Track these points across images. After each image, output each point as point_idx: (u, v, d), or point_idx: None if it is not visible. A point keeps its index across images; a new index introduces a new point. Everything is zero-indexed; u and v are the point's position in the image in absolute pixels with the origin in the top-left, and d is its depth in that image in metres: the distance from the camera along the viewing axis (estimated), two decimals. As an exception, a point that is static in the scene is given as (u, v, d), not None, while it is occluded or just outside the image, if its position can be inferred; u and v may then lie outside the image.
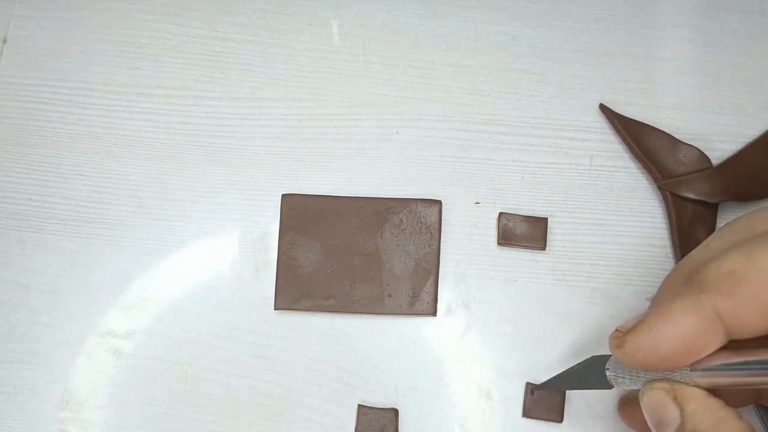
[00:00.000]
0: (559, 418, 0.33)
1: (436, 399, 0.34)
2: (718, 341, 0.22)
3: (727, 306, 0.21)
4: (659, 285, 0.28)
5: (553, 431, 0.33)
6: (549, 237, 0.35)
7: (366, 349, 0.34)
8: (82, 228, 0.36)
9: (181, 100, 0.37)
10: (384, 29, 0.38)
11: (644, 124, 0.36)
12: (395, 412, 0.33)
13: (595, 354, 0.28)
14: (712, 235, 0.25)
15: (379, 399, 0.34)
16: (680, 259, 0.34)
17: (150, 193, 0.36)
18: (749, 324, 0.21)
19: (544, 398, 0.33)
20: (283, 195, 0.35)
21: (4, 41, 0.38)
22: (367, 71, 0.37)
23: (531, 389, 0.33)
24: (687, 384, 0.23)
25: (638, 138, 0.35)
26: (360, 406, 0.33)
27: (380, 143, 0.36)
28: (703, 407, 0.22)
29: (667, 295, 0.23)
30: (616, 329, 0.24)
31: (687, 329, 0.22)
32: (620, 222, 0.35)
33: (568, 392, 0.33)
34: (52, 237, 0.36)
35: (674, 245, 0.34)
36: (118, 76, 0.38)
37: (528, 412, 0.33)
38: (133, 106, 0.37)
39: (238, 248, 0.35)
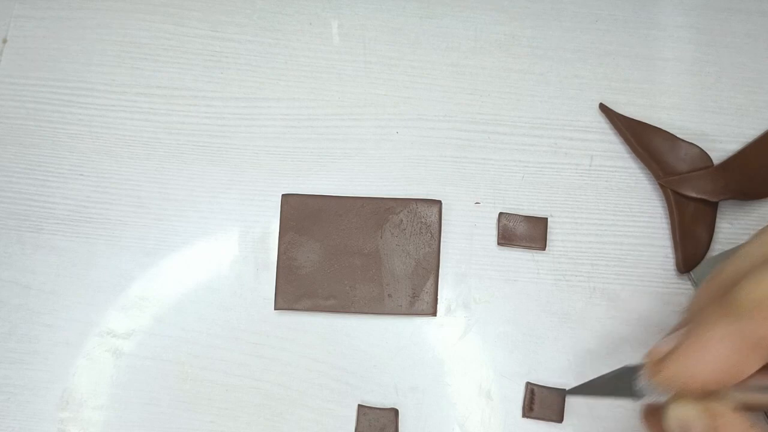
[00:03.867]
0: (559, 419, 0.33)
1: (436, 399, 0.34)
2: (757, 364, 0.21)
3: (766, 331, 0.20)
4: (696, 294, 0.26)
5: (553, 431, 0.33)
6: (549, 237, 0.35)
7: (366, 349, 0.34)
8: (82, 228, 0.36)
9: (181, 100, 0.37)
10: (384, 29, 0.38)
11: (645, 123, 0.36)
12: (395, 412, 0.33)
13: (624, 361, 0.27)
14: (748, 241, 0.24)
15: (379, 399, 0.34)
16: (680, 258, 0.34)
17: (150, 193, 0.36)
18: None
19: (545, 398, 0.33)
20: (283, 195, 0.35)
21: (4, 41, 0.38)
22: (367, 71, 0.37)
23: (531, 389, 0.33)
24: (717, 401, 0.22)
25: (639, 136, 0.35)
26: (360, 406, 0.33)
27: (380, 143, 0.36)
28: (734, 424, 0.22)
29: (702, 318, 0.22)
30: (650, 351, 0.24)
31: (726, 357, 0.21)
32: (620, 222, 0.35)
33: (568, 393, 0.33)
34: (52, 237, 0.36)
35: (675, 243, 0.34)
36: (118, 76, 0.38)
37: (528, 412, 0.33)
38: (133, 106, 0.37)
39: (238, 248, 0.35)
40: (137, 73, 0.38)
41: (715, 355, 0.21)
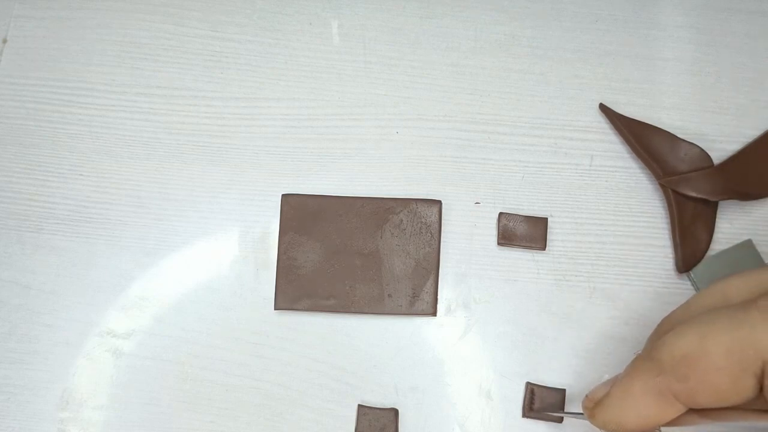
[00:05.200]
0: (559, 419, 0.33)
1: (436, 399, 0.34)
2: (677, 412, 0.23)
3: (680, 388, 0.22)
4: (659, 323, 0.27)
5: (553, 431, 0.33)
6: (549, 237, 0.35)
7: (366, 349, 0.34)
8: (82, 228, 0.36)
9: (181, 100, 0.37)
10: (384, 29, 0.38)
11: (645, 123, 0.36)
12: (395, 412, 0.33)
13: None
14: (694, 296, 0.26)
15: (379, 399, 0.34)
16: (680, 257, 0.34)
17: (150, 193, 0.36)
18: (703, 403, 0.22)
19: (545, 398, 0.33)
20: (283, 195, 0.35)
21: (4, 41, 0.38)
22: (367, 71, 0.37)
23: (531, 389, 0.33)
24: None
25: (639, 136, 0.35)
26: (360, 406, 0.33)
27: (380, 143, 0.36)
28: None
29: (630, 369, 0.24)
30: (587, 396, 0.26)
31: (647, 407, 0.23)
32: (620, 222, 0.35)
33: (568, 393, 0.33)
34: (52, 237, 0.36)
35: (675, 243, 0.34)
36: (118, 76, 0.38)
37: (528, 412, 0.33)
38: (133, 106, 0.37)
39: (238, 248, 0.35)
40: (137, 73, 0.38)
41: (636, 406, 0.24)
